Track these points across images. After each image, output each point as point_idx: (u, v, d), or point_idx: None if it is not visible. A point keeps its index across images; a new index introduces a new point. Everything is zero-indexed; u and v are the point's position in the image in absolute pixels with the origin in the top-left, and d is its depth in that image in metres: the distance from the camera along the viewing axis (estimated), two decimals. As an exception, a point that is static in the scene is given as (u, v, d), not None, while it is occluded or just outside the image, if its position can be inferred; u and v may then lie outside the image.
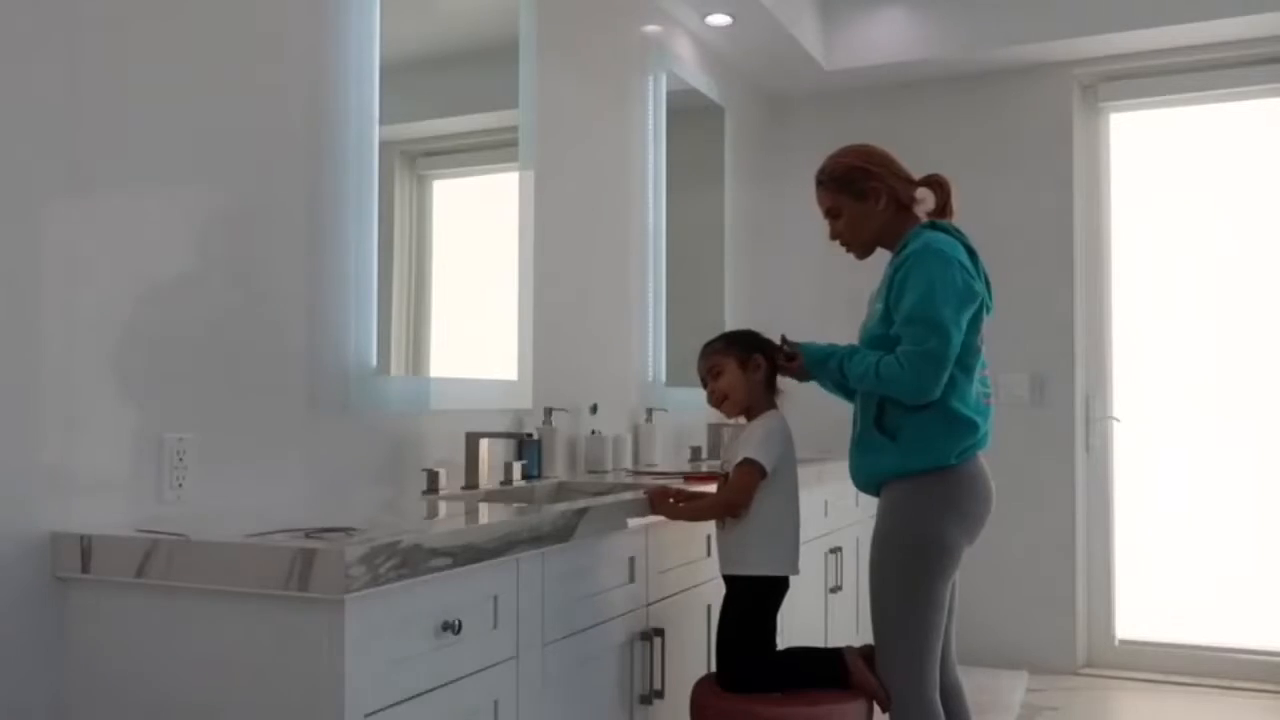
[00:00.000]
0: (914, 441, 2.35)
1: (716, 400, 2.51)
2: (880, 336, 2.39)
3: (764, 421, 2.45)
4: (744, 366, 2.48)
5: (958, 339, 2.31)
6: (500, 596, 1.96)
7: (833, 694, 2.36)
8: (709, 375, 2.51)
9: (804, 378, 2.55)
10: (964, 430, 2.35)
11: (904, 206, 2.50)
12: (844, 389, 2.58)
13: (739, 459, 2.39)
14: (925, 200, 2.52)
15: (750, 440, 2.41)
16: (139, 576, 1.74)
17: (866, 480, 2.48)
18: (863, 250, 2.54)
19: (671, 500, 2.47)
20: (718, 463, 3.67)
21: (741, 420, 2.53)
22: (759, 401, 2.49)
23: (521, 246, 3.05)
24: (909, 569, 2.35)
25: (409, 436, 2.61)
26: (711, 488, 2.57)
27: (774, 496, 2.41)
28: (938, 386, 2.29)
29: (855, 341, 2.60)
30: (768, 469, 2.38)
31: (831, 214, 2.53)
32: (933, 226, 2.47)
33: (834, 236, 2.55)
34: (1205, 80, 4.47)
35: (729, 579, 2.45)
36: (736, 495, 2.39)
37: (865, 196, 2.48)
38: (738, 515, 2.40)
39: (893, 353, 2.32)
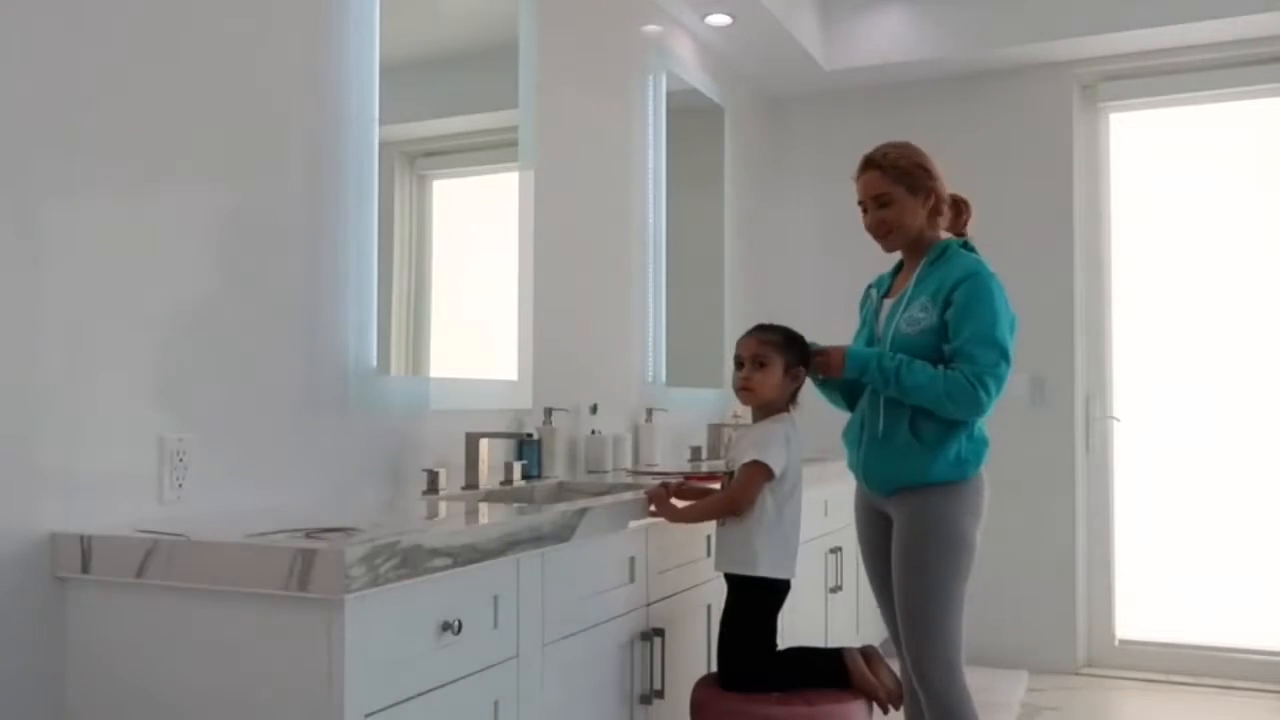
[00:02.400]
0: (955, 452, 2.46)
1: (745, 386, 2.47)
2: (932, 347, 2.46)
3: (776, 425, 2.44)
4: (787, 372, 2.47)
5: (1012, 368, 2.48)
6: (500, 596, 1.96)
7: (833, 694, 2.36)
8: (751, 361, 2.47)
9: (833, 374, 2.53)
10: (986, 446, 2.53)
11: (934, 214, 2.61)
12: (847, 391, 2.65)
13: (747, 459, 2.38)
14: (947, 216, 2.64)
15: (760, 442, 2.40)
16: (139, 576, 1.74)
17: (892, 481, 2.51)
18: (900, 243, 2.60)
19: (672, 500, 2.47)
20: (719, 462, 3.68)
21: (744, 418, 2.54)
22: (779, 406, 2.48)
23: (521, 246, 3.05)
24: (955, 569, 2.46)
25: (409, 436, 2.61)
26: (714, 486, 2.57)
27: (779, 500, 2.41)
28: (991, 409, 2.45)
29: (854, 339, 2.65)
30: (776, 472, 2.38)
31: (880, 201, 2.57)
32: (965, 247, 2.60)
33: (876, 224, 2.58)
34: (1205, 80, 4.47)
35: (731, 578, 2.44)
36: (740, 493, 2.38)
37: (917, 193, 2.57)
38: (740, 514, 2.40)
39: (950, 368, 2.42)
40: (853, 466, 2.65)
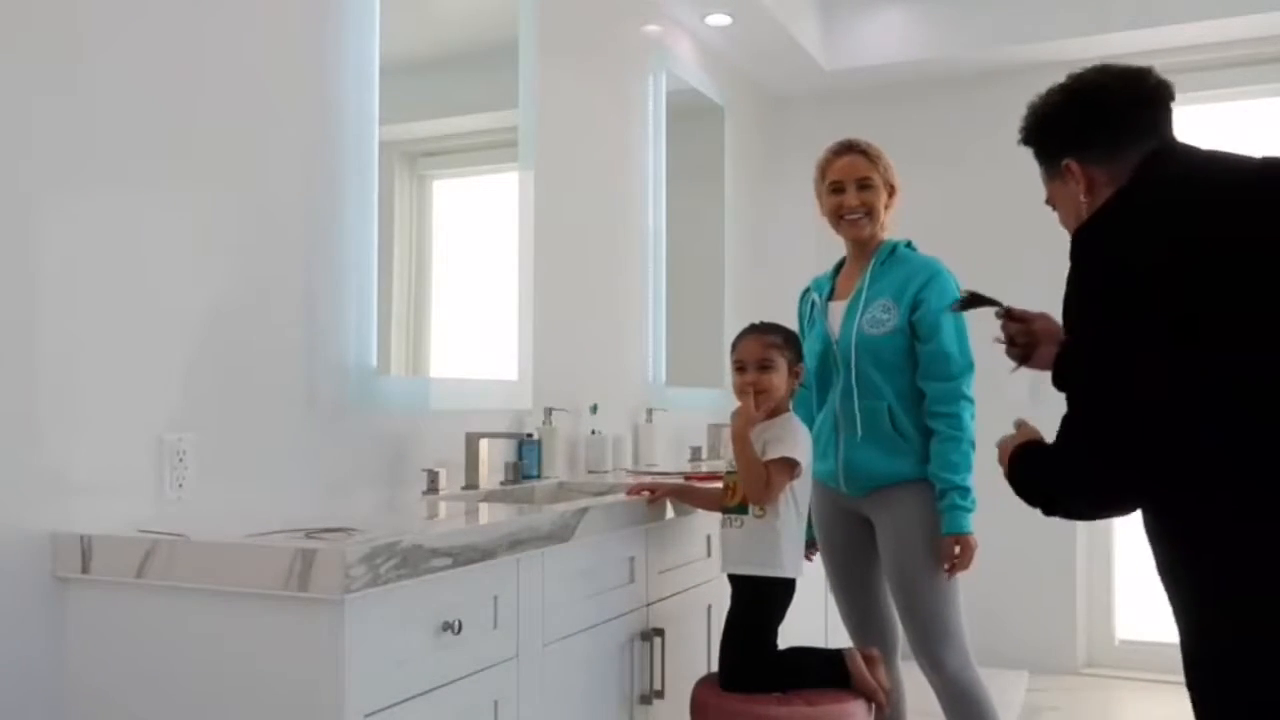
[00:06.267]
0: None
1: (759, 390, 2.40)
2: (901, 348, 2.56)
3: (791, 423, 2.41)
4: (790, 370, 2.45)
5: None
6: (500, 596, 1.96)
7: (833, 694, 2.36)
8: (757, 365, 2.41)
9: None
10: None
11: (887, 213, 2.72)
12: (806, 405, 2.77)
13: (775, 455, 2.34)
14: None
15: (783, 441, 2.35)
16: (139, 576, 1.74)
17: (879, 478, 2.58)
18: (869, 230, 2.67)
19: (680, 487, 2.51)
20: (720, 462, 3.67)
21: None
22: (785, 405, 2.46)
23: (521, 246, 3.05)
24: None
25: (409, 436, 2.61)
26: (716, 485, 2.56)
27: (799, 499, 2.39)
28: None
29: (843, 332, 2.66)
30: (803, 466, 2.36)
31: (864, 184, 2.66)
32: (908, 246, 2.70)
33: (858, 204, 2.65)
34: (1206, 80, 4.46)
35: (746, 580, 2.40)
36: (772, 489, 2.33)
37: (888, 188, 2.69)
38: (768, 504, 2.35)
39: (950, 410, 2.53)
40: (826, 474, 2.67)
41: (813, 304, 2.78)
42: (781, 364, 2.43)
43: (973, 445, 2.53)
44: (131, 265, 1.96)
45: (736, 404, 2.43)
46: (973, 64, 4.63)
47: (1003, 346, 1.94)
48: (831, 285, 2.76)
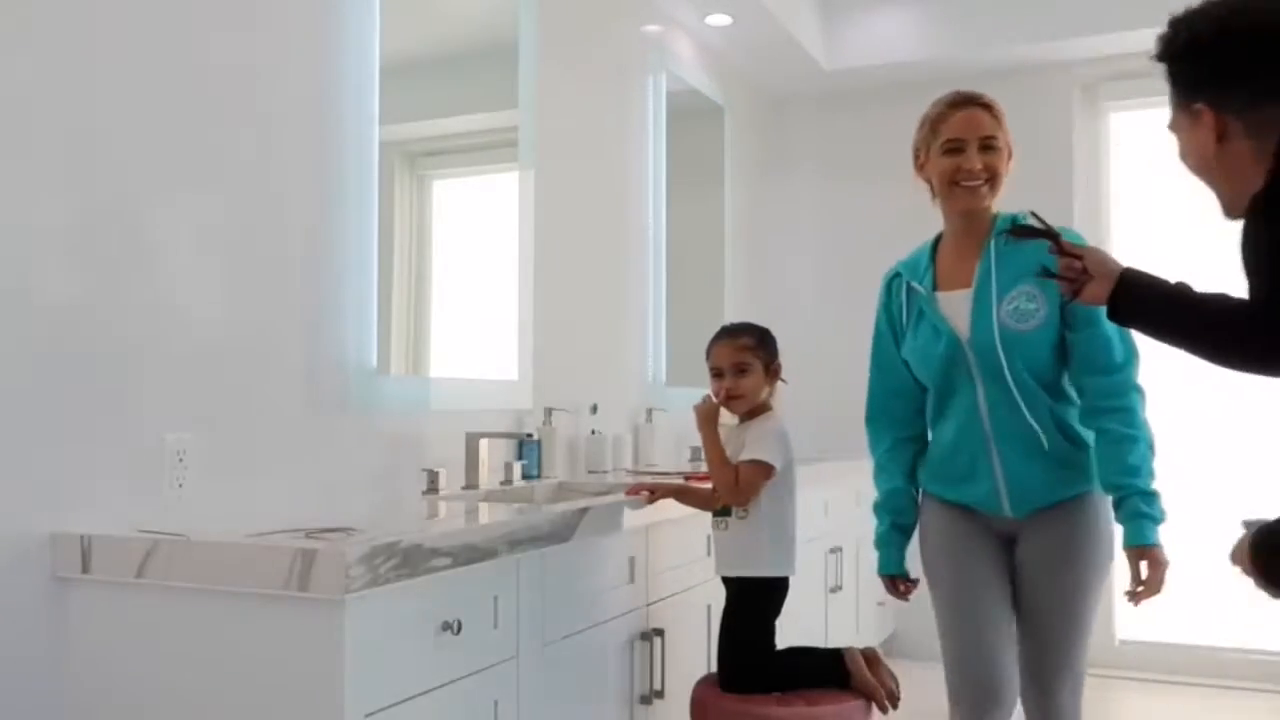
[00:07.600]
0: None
1: (729, 396, 2.43)
2: (1051, 343, 2.15)
3: (769, 423, 2.43)
4: (767, 370, 2.46)
5: None
6: (500, 596, 1.96)
7: (833, 694, 2.36)
8: (732, 369, 2.43)
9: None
10: None
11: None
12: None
13: (748, 459, 2.37)
14: None
15: (759, 441, 2.38)
16: (139, 576, 1.74)
17: (1054, 495, 2.20)
18: (990, 198, 2.24)
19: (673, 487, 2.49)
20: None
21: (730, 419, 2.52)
22: (765, 405, 2.47)
23: (521, 246, 3.05)
24: (1104, 582, 2.29)
25: (409, 436, 2.61)
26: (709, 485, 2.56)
27: (781, 497, 2.40)
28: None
29: (906, 349, 2.33)
30: (778, 468, 2.37)
31: (988, 145, 2.23)
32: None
33: (980, 169, 2.22)
34: (1205, 80, 4.46)
35: (732, 581, 2.43)
36: (747, 491, 2.37)
37: (1009, 152, 2.30)
38: (744, 506, 2.38)
39: (1122, 404, 2.13)
40: (978, 499, 2.24)
41: (908, 291, 2.31)
42: (756, 366, 2.44)
43: (1151, 446, 2.15)
44: (130, 264, 1.96)
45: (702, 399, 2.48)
46: (973, 64, 4.63)
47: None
48: (934, 272, 2.29)
